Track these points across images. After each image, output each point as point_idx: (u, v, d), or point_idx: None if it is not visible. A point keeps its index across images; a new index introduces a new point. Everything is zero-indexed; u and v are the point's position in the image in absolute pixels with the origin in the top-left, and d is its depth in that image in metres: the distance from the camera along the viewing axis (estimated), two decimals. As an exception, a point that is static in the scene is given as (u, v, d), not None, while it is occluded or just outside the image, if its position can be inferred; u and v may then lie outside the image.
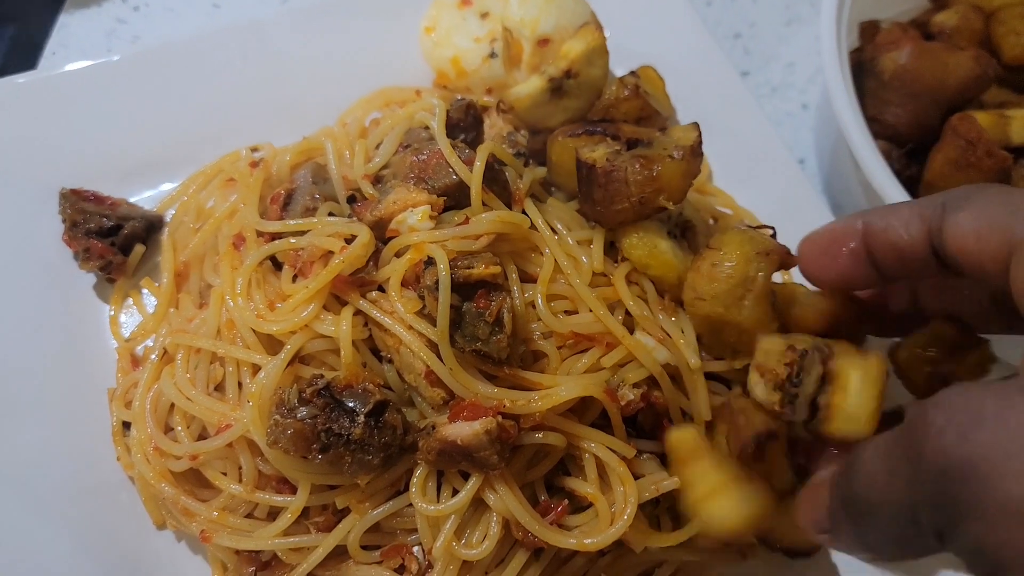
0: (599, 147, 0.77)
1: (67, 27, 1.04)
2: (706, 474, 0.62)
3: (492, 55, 0.85)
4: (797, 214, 0.86)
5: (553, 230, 0.75)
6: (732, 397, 0.64)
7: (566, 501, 0.69)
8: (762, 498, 0.61)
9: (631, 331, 0.72)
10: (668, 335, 0.72)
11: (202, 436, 0.72)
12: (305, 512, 0.68)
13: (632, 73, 0.89)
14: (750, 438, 0.61)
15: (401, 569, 0.68)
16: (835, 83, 0.80)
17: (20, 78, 0.88)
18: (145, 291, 0.83)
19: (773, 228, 0.76)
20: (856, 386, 0.59)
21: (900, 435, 0.45)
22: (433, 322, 0.66)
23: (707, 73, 0.94)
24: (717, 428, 0.66)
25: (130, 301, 0.83)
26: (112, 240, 0.81)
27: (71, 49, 1.02)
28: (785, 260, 0.71)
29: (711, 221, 0.87)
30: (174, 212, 0.86)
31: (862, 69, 0.87)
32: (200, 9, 1.06)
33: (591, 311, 0.72)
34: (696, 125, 0.74)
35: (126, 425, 0.77)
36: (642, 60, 0.91)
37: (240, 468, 0.70)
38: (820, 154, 0.99)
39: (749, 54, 1.07)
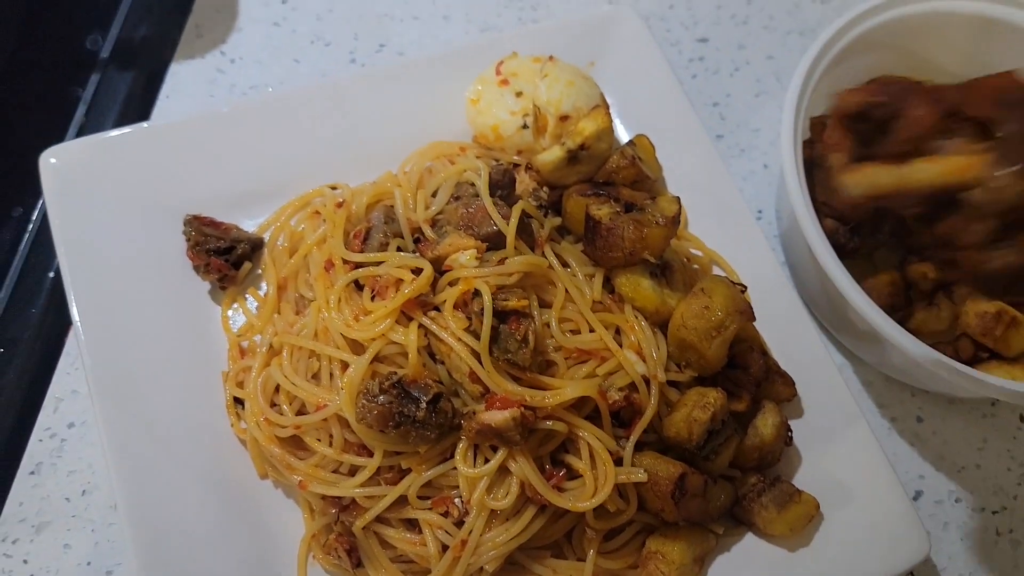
0: (604, 207, 1.01)
1: (176, 75, 1.26)
2: None
3: (524, 126, 1.09)
4: (750, 257, 1.10)
5: (566, 265, 0.99)
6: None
7: (564, 471, 0.91)
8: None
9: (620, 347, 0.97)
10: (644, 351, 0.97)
11: (299, 412, 0.95)
12: (378, 471, 0.90)
13: (630, 143, 1.12)
14: (672, 484, 0.89)
15: (445, 514, 0.90)
16: (791, 178, 1.00)
17: (148, 124, 1.10)
18: (249, 297, 1.07)
19: (745, 287, 1.02)
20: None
21: None
22: (477, 337, 0.88)
23: (687, 138, 1.16)
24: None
25: (236, 305, 1.06)
26: (226, 258, 1.05)
27: (181, 94, 1.24)
28: (749, 318, 0.98)
29: (685, 260, 1.11)
30: (270, 233, 1.10)
31: (814, 162, 1.07)
32: (283, 63, 1.28)
33: (592, 331, 0.95)
34: (678, 199, 0.99)
35: (237, 400, 1.00)
36: (639, 127, 1.16)
37: (331, 436, 0.92)
38: (779, 215, 1.22)
39: (724, 120, 1.31)
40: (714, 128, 1.29)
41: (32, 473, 1.01)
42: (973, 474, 1.10)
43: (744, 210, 1.13)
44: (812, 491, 0.97)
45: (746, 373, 1.00)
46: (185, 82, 1.26)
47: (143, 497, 0.92)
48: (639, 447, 0.94)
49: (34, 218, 1.15)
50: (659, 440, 0.97)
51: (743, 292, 1.02)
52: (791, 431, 1.01)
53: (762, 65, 1.35)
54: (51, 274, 1.10)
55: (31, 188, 1.08)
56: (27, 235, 1.14)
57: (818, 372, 1.04)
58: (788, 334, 1.07)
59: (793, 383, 1.03)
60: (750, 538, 0.99)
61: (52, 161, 1.05)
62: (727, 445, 0.97)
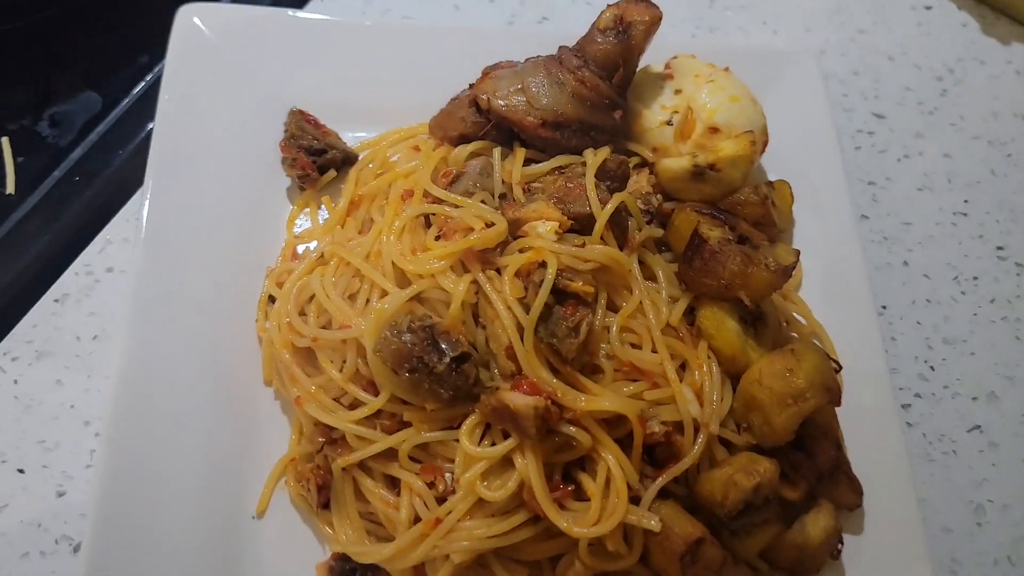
0: (717, 230, 0.91)
1: (340, -19, 1.26)
2: None
3: (668, 123, 1.00)
4: (857, 347, 0.98)
5: (653, 279, 0.91)
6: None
7: (573, 488, 0.81)
8: None
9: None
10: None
11: (324, 327, 0.90)
12: (378, 413, 0.83)
13: (769, 183, 1.03)
14: (685, 546, 0.78)
15: (431, 485, 0.82)
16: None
17: (291, 12, 1.10)
18: (323, 207, 1.03)
19: (840, 366, 0.89)
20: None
21: None
22: (528, 310, 0.81)
23: (829, 203, 1.07)
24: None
25: (308, 209, 1.03)
26: (315, 159, 1.01)
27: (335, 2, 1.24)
28: (834, 401, 0.85)
29: (784, 323, 0.99)
30: (366, 154, 1.06)
31: None
32: (443, 5, 1.26)
33: (654, 352, 0.85)
34: (797, 252, 0.89)
35: (271, 298, 0.95)
36: (787, 174, 1.06)
37: (344, 361, 0.86)
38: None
39: (876, 202, 1.18)
40: (862, 207, 1.17)
41: (56, 301, 0.99)
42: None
43: (866, 296, 1.02)
44: (846, 622, 0.83)
45: (811, 459, 0.87)
46: (343, -8, 1.25)
47: (142, 357, 0.88)
48: (664, 494, 0.83)
49: (156, 69, 1.14)
50: (689, 497, 0.85)
51: (836, 372, 0.89)
52: (842, 543, 0.87)
53: (936, 161, 1.23)
54: (151, 125, 1.09)
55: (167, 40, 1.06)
56: (143, 83, 1.14)
57: (894, 493, 0.91)
58: (872, 444, 0.94)
59: (861, 491, 0.89)
60: (756, 645, 0.85)
61: (190, 17, 1.05)
62: (764, 529, 0.84)
